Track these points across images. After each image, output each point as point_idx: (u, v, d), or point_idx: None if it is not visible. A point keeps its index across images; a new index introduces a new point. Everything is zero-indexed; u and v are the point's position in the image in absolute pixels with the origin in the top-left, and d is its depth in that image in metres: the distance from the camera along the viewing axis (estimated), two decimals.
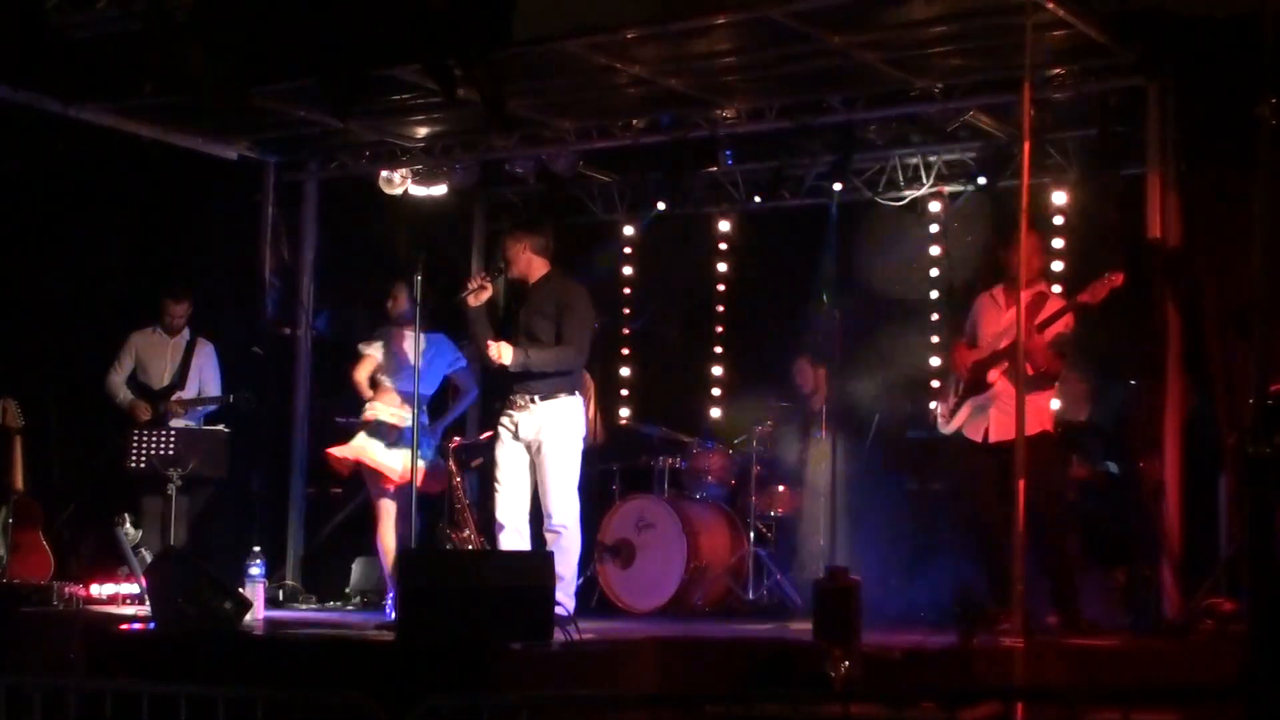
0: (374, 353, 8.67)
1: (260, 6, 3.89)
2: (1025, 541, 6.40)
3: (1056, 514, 7.83)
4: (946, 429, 8.14)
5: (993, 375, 7.90)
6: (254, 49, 3.91)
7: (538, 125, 10.08)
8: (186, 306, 9.73)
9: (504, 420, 7.94)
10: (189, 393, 9.67)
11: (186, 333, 9.81)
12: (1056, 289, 8.80)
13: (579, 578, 8.41)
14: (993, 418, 7.91)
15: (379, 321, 9.04)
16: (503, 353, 7.74)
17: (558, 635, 6.55)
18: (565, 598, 7.74)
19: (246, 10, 3.90)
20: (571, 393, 7.89)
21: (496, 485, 7.92)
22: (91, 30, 8.03)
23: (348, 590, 10.18)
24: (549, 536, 7.80)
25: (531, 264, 7.97)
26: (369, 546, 9.24)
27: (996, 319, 8.02)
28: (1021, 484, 6.37)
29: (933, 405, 9.52)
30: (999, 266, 8.08)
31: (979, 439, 7.95)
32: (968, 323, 8.24)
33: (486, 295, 7.88)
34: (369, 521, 9.04)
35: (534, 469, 7.88)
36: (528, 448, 7.86)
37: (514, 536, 7.84)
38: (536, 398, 7.81)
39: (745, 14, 8.01)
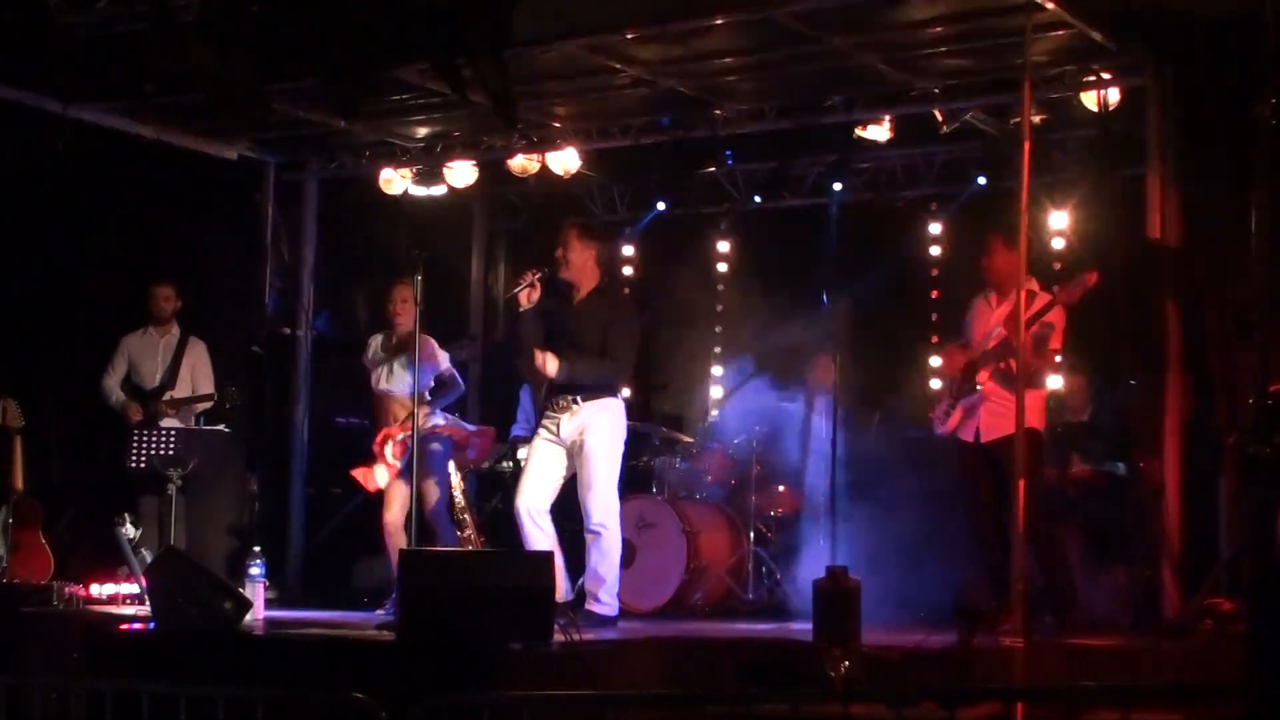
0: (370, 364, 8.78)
1: (266, 7, 3.89)
2: (1019, 538, 6.39)
3: (1045, 512, 7.84)
4: (942, 431, 8.18)
5: (981, 376, 7.96)
6: (260, 49, 3.91)
7: (538, 125, 10.09)
8: (170, 290, 9.74)
9: (545, 423, 7.94)
10: (180, 392, 9.67)
11: (177, 331, 9.81)
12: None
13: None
14: (982, 418, 7.95)
15: (379, 323, 9.07)
16: (548, 364, 7.75)
17: (557, 635, 6.55)
18: (609, 598, 7.80)
19: (252, 11, 3.90)
20: (614, 394, 7.91)
21: (524, 477, 7.92)
22: (93, 29, 8.03)
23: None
24: (589, 537, 7.81)
25: (589, 271, 7.96)
26: (370, 546, 9.24)
27: (986, 320, 8.07)
28: (1022, 484, 6.36)
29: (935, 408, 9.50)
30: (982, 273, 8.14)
31: (970, 439, 7.99)
32: (964, 325, 8.27)
33: (537, 295, 7.87)
34: (369, 521, 9.06)
35: (571, 469, 7.88)
36: (568, 449, 7.86)
37: (530, 526, 7.83)
38: (579, 398, 7.82)
39: (745, 14, 8.02)
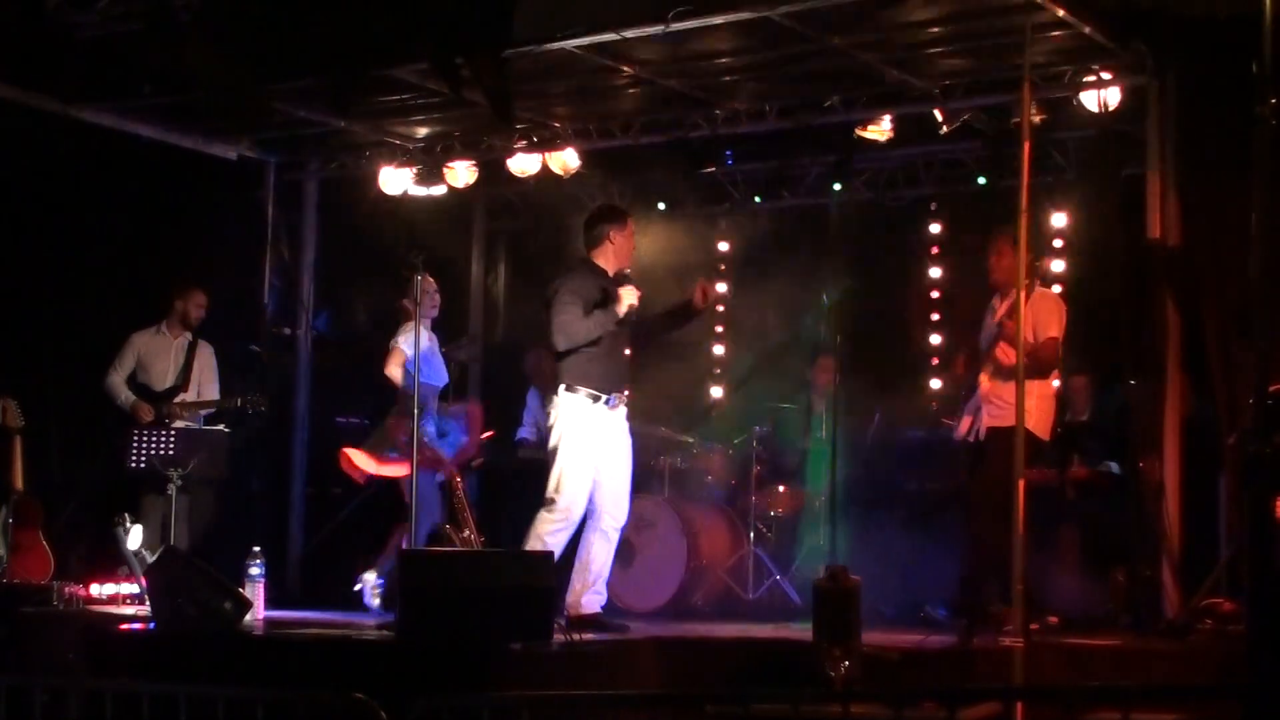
0: (405, 348, 8.69)
1: (266, 7, 3.90)
2: (1020, 538, 6.37)
3: (993, 507, 7.77)
4: (958, 436, 8.28)
5: (981, 377, 8.02)
6: (260, 49, 3.91)
7: (538, 125, 10.08)
8: (205, 298, 9.81)
9: (610, 422, 7.86)
10: (190, 395, 9.67)
11: (188, 334, 9.81)
12: (1057, 289, 8.86)
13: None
14: (983, 418, 8.05)
15: (379, 320, 9.07)
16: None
17: (557, 635, 6.56)
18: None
19: (252, 11, 3.90)
20: (570, 389, 7.87)
21: (610, 489, 7.86)
22: (93, 30, 8.04)
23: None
24: (614, 535, 7.86)
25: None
26: (370, 546, 9.24)
27: (988, 325, 8.15)
28: (1021, 484, 6.36)
29: (934, 406, 9.57)
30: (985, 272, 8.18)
31: (973, 439, 8.06)
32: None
33: None
34: (370, 521, 9.07)
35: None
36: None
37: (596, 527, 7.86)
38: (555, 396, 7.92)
39: (745, 14, 8.01)
